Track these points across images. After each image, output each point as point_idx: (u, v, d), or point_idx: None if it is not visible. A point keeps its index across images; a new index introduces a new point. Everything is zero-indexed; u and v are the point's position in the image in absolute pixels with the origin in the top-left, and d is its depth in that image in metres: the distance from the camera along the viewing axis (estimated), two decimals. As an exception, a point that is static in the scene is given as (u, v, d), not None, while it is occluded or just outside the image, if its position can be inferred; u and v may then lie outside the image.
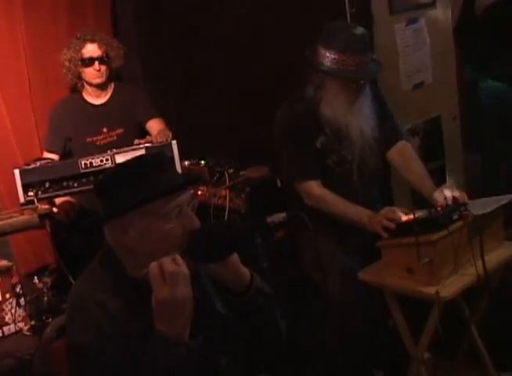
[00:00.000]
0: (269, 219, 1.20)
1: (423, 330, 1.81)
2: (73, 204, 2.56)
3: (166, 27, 3.01)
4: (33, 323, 2.34)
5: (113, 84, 2.73)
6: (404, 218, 1.83)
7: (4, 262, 2.45)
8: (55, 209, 2.37)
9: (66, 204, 2.55)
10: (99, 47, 2.60)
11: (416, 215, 1.77)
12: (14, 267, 2.44)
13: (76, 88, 2.73)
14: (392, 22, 2.42)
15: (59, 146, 2.65)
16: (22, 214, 2.19)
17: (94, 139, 2.66)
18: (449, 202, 1.84)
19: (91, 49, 2.60)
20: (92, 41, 2.61)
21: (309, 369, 2.17)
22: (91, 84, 2.66)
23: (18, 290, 2.39)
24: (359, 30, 1.95)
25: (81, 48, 2.60)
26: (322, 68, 1.94)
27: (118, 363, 1.17)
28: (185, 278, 1.13)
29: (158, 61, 3.12)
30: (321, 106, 1.99)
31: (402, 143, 2.14)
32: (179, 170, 2.33)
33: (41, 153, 2.70)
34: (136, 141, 2.42)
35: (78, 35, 2.64)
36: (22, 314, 2.38)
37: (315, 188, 2.02)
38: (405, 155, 2.12)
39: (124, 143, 2.44)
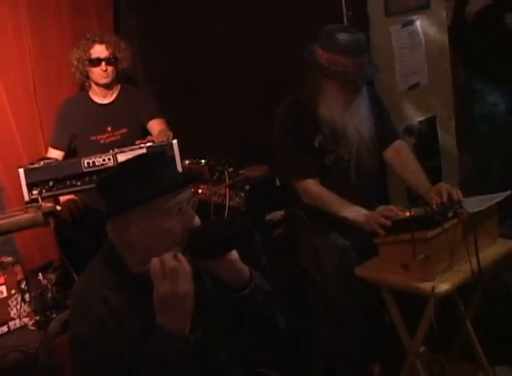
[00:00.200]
0: (268, 217, 1.25)
1: (418, 324, 1.82)
2: (77, 203, 2.61)
3: (167, 27, 3.03)
4: (37, 318, 2.38)
5: (119, 85, 2.78)
6: (400, 215, 1.85)
7: (9, 259, 2.50)
8: (58, 207, 2.41)
9: (70, 202, 2.60)
10: (107, 48, 2.66)
11: (412, 213, 1.79)
12: (19, 264, 2.49)
13: (83, 87, 2.78)
14: (388, 24, 2.44)
15: (64, 142, 2.70)
16: (26, 212, 2.21)
17: (98, 137, 2.71)
18: (444, 200, 1.86)
19: (98, 50, 2.65)
20: (101, 42, 2.66)
21: (307, 364, 2.19)
22: (97, 84, 2.71)
23: (23, 286, 2.44)
24: (357, 32, 1.97)
25: (90, 48, 2.65)
26: (319, 69, 1.97)
27: (120, 356, 1.21)
28: (186, 273, 1.16)
29: (159, 61, 3.15)
30: (318, 107, 2.02)
31: (398, 142, 2.17)
32: (180, 169, 2.37)
33: (46, 153, 2.75)
34: (138, 141, 2.46)
35: (88, 36, 2.70)
36: (27, 309, 2.42)
37: (312, 186, 2.04)
38: (401, 154, 2.14)
39: (127, 143, 2.48)
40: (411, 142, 2.51)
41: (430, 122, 2.64)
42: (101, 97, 2.75)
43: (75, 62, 2.67)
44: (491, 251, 1.89)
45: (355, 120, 2.02)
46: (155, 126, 2.74)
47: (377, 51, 2.37)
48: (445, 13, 2.64)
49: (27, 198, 2.26)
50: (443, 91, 2.71)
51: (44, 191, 2.27)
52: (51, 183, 2.28)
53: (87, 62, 2.65)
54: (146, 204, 1.23)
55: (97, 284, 1.27)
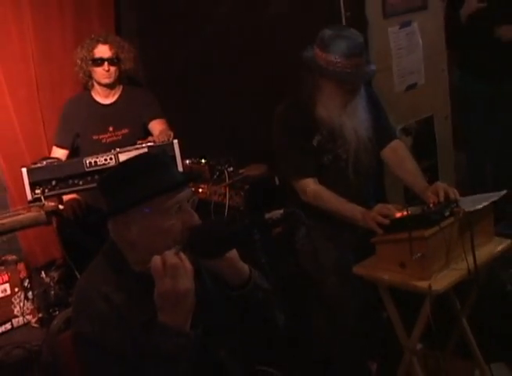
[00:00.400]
0: (267, 216, 1.22)
1: (415, 322, 1.84)
2: (80, 202, 2.64)
3: (167, 28, 3.04)
4: (40, 315, 2.41)
5: (121, 86, 2.80)
6: (397, 214, 1.86)
7: (13, 258, 2.52)
8: (61, 206, 2.42)
9: (72, 201, 2.62)
10: (110, 48, 2.68)
11: (409, 212, 1.81)
12: (22, 262, 2.51)
13: (86, 87, 2.81)
14: (386, 25, 2.45)
15: (68, 141, 2.73)
16: (29, 211, 2.23)
17: (100, 137, 2.73)
18: (441, 199, 1.87)
19: (102, 50, 2.68)
20: (104, 42, 2.69)
21: (306, 362, 2.21)
22: (100, 84, 2.74)
23: (26, 284, 2.46)
24: (355, 33, 1.99)
25: (93, 48, 2.68)
26: (317, 70, 1.98)
27: (122, 353, 1.22)
28: (187, 271, 1.17)
29: (159, 61, 3.16)
30: (317, 107, 2.03)
31: (395, 142, 2.18)
32: (181, 168, 2.39)
33: (49, 153, 2.77)
34: (139, 141, 2.49)
35: (92, 36, 2.73)
36: (30, 307, 2.45)
37: (311, 185, 2.05)
38: (398, 153, 2.16)
39: (128, 143, 2.50)
40: (408, 141, 2.53)
41: (428, 122, 2.65)
42: (103, 97, 2.78)
43: (79, 61, 2.70)
44: (487, 249, 1.90)
45: (353, 120, 2.03)
46: (156, 126, 2.76)
47: (375, 52, 2.39)
48: (442, 14, 2.66)
49: (29, 197, 2.27)
50: (440, 91, 2.72)
51: (46, 190, 2.29)
52: (53, 183, 2.30)
53: (90, 61, 2.68)
54: (145, 203, 1.24)
55: (99, 282, 1.29)
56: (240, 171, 2.52)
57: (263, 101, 2.55)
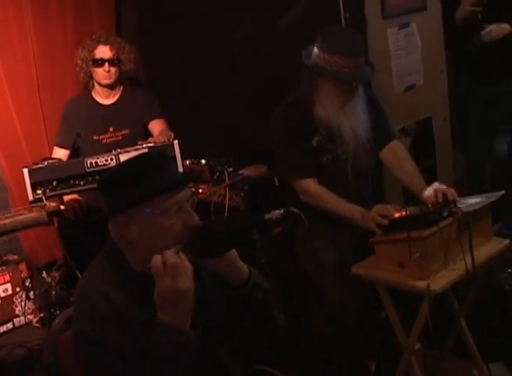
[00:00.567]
0: (267, 216, 1.23)
1: (414, 322, 1.84)
2: (80, 202, 2.64)
3: (167, 28, 3.05)
4: (42, 315, 2.42)
5: (122, 86, 2.81)
6: (396, 214, 1.87)
7: (14, 258, 2.53)
8: (62, 207, 2.43)
9: (73, 201, 2.63)
10: (111, 49, 2.69)
11: (407, 212, 1.82)
12: (24, 262, 2.52)
13: (87, 88, 2.82)
14: (385, 26, 2.46)
15: (69, 141, 2.74)
16: (31, 211, 2.25)
17: (100, 137, 2.74)
18: (440, 199, 1.89)
19: (103, 51, 2.69)
20: (105, 43, 2.70)
21: (305, 361, 2.22)
22: (100, 85, 2.75)
23: (28, 284, 2.47)
24: (354, 33, 1.99)
25: (94, 48, 2.69)
26: (315, 69, 1.99)
27: (122, 352, 1.23)
28: (187, 270, 1.18)
29: (160, 62, 3.17)
30: (315, 107, 2.03)
31: (394, 143, 2.19)
32: (181, 169, 2.40)
33: (50, 153, 2.79)
34: (139, 142, 2.50)
35: (93, 36, 2.74)
36: (31, 307, 2.46)
37: (311, 185, 2.06)
38: (397, 154, 2.16)
39: (129, 143, 2.51)
40: (407, 142, 2.54)
41: (426, 123, 2.66)
42: (104, 98, 2.79)
43: (79, 62, 2.72)
44: (485, 249, 1.90)
45: (351, 120, 2.04)
46: (156, 126, 2.77)
47: (374, 52, 2.40)
48: (440, 15, 2.67)
49: (31, 198, 2.28)
50: (439, 92, 2.73)
51: (48, 191, 2.30)
52: (54, 183, 2.31)
53: (91, 62, 2.69)
54: (145, 203, 1.25)
55: (99, 282, 1.29)
56: (240, 171, 2.53)
57: (263, 101, 2.55)
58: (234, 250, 1.29)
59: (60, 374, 1.46)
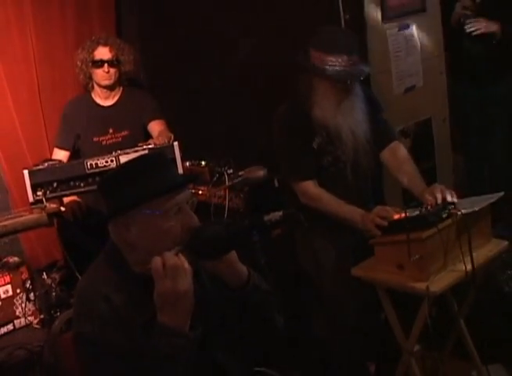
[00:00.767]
0: (266, 218, 1.24)
1: (413, 323, 1.85)
2: (80, 204, 2.65)
3: (167, 29, 3.06)
4: (42, 316, 2.42)
5: (121, 88, 2.82)
6: (395, 216, 1.88)
7: (15, 259, 2.54)
8: (62, 208, 2.43)
9: (72, 203, 2.63)
10: (110, 50, 2.70)
11: (407, 214, 1.82)
12: (24, 263, 2.52)
13: (87, 89, 2.82)
14: (384, 28, 2.46)
15: (69, 143, 2.74)
16: (31, 213, 2.25)
17: (100, 138, 2.74)
18: (439, 201, 1.89)
19: (102, 52, 2.69)
20: (105, 44, 2.70)
21: (305, 363, 2.22)
22: (100, 86, 2.75)
23: (28, 285, 2.48)
24: (346, 31, 2.01)
25: (94, 50, 2.69)
26: (310, 69, 1.99)
27: (122, 353, 1.23)
28: (187, 272, 1.18)
29: (159, 63, 3.17)
30: (313, 108, 2.04)
31: (395, 144, 2.19)
32: (181, 170, 2.40)
33: (50, 154, 2.78)
34: (140, 144, 2.50)
35: (93, 38, 2.74)
36: (32, 308, 2.46)
37: (311, 187, 2.07)
38: (397, 155, 2.17)
39: (129, 145, 2.51)
40: (407, 143, 2.53)
41: (426, 124, 2.66)
42: (103, 99, 2.79)
43: (79, 63, 2.72)
44: (484, 251, 1.91)
45: (349, 120, 2.03)
46: (155, 127, 2.77)
47: (374, 54, 2.40)
48: (440, 17, 2.67)
49: (31, 199, 2.28)
50: (438, 93, 2.73)
51: (48, 192, 2.29)
52: (55, 184, 2.31)
53: (90, 63, 2.70)
54: (145, 204, 1.25)
55: (99, 283, 1.30)
56: (240, 173, 2.52)
57: (263, 102, 2.56)
58: (234, 251, 1.30)
59: (60, 375, 1.47)
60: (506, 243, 1.97)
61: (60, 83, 2.97)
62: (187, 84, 3.02)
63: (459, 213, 1.81)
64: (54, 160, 2.53)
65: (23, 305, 2.43)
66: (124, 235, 1.28)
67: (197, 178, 2.47)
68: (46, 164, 2.36)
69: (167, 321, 1.18)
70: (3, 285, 2.43)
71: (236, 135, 2.79)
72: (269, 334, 1.41)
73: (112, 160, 2.34)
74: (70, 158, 2.73)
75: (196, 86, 2.95)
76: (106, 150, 2.51)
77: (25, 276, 2.50)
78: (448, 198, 1.90)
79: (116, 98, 2.80)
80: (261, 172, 2.49)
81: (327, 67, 1.95)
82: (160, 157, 1.36)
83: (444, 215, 1.82)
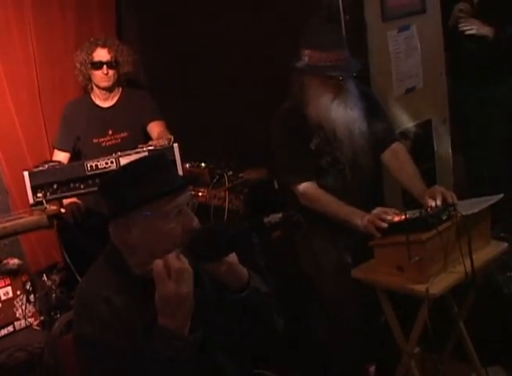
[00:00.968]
0: (266, 220, 1.24)
1: (413, 325, 1.85)
2: (79, 205, 2.64)
3: (168, 31, 3.06)
4: (42, 318, 2.42)
5: (121, 89, 2.82)
6: (395, 218, 1.88)
7: (15, 261, 2.54)
8: (63, 210, 2.43)
9: (72, 205, 2.63)
10: (109, 52, 2.70)
11: (407, 215, 1.82)
12: (24, 265, 2.52)
13: (86, 90, 2.82)
14: (385, 29, 2.45)
15: (69, 145, 2.74)
16: (31, 214, 2.24)
17: (100, 140, 2.74)
18: (439, 203, 1.89)
19: (101, 54, 2.69)
20: (103, 45, 2.70)
21: (304, 364, 2.22)
22: (99, 87, 2.75)
23: (28, 287, 2.48)
24: (334, 27, 2.01)
25: (92, 51, 2.70)
26: (302, 67, 1.99)
27: (122, 355, 1.23)
28: (190, 275, 1.19)
29: (160, 64, 3.17)
30: (308, 109, 2.04)
31: (396, 145, 2.19)
32: (181, 172, 2.40)
33: (51, 156, 2.78)
34: (140, 146, 2.50)
35: (91, 39, 2.74)
36: (32, 310, 2.46)
37: (310, 189, 2.07)
38: (398, 157, 2.16)
39: (128, 146, 2.50)
40: (407, 145, 2.52)
41: (426, 126, 2.65)
42: (102, 100, 2.79)
43: (78, 65, 2.72)
44: (484, 252, 1.91)
45: (343, 117, 2.03)
46: (154, 128, 2.77)
47: (374, 55, 2.40)
48: (440, 18, 2.67)
49: (31, 201, 2.27)
50: (438, 95, 2.73)
51: (48, 194, 2.29)
52: (55, 186, 2.30)
53: (89, 65, 2.70)
54: (145, 206, 1.25)
55: (100, 285, 1.30)
56: (240, 174, 2.54)
57: (263, 104, 2.55)
58: (234, 253, 1.30)
59: (60, 377, 1.47)
60: (505, 244, 1.97)
61: (61, 84, 2.97)
62: (187, 85, 3.02)
63: (459, 215, 1.81)
64: (54, 161, 2.52)
65: (24, 306, 2.43)
66: (125, 237, 1.28)
67: (197, 180, 2.47)
68: (46, 166, 2.35)
69: (167, 324, 1.18)
70: (3, 287, 2.43)
71: (236, 137, 2.78)
72: (269, 336, 1.41)
73: (112, 162, 2.34)
74: (71, 160, 2.73)
75: (196, 87, 2.95)
76: (106, 152, 2.51)
77: (25, 277, 2.50)
78: (449, 200, 1.89)
79: (115, 99, 2.81)
80: (261, 174, 2.50)
81: (319, 64, 1.95)
82: (160, 159, 1.36)
83: (444, 217, 1.82)
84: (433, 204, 1.90)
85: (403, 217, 1.83)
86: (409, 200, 2.12)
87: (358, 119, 2.05)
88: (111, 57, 2.70)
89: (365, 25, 2.38)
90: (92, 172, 2.32)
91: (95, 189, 2.25)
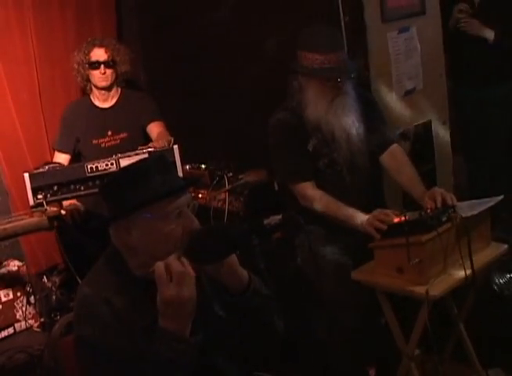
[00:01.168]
0: (266, 221, 1.24)
1: (413, 327, 1.84)
2: (78, 207, 2.63)
3: (168, 31, 3.06)
4: (42, 320, 2.43)
5: (119, 89, 2.82)
6: (395, 219, 1.88)
7: (16, 262, 2.54)
8: (63, 211, 2.43)
9: (71, 206, 2.62)
10: (106, 51, 2.70)
11: (406, 217, 1.82)
12: (25, 267, 2.53)
13: (86, 91, 2.83)
14: (384, 30, 2.46)
15: (69, 146, 2.74)
16: (32, 216, 2.25)
17: (99, 141, 2.75)
18: (439, 204, 1.89)
19: (98, 53, 2.70)
20: (100, 45, 2.71)
21: (304, 367, 2.22)
22: (97, 87, 2.75)
23: (28, 289, 2.48)
24: (331, 29, 2.00)
25: (89, 51, 2.70)
26: (300, 70, 2.00)
27: (122, 357, 1.23)
28: (191, 279, 1.18)
29: (160, 65, 3.17)
30: (306, 110, 2.04)
31: (394, 147, 2.19)
32: (181, 174, 2.40)
33: (51, 157, 2.79)
34: (139, 147, 2.50)
35: (88, 39, 2.75)
36: (32, 312, 2.46)
37: (309, 189, 2.07)
38: (397, 159, 2.17)
39: (127, 147, 2.51)
40: (407, 146, 2.53)
41: (426, 127, 2.65)
42: (101, 101, 2.79)
43: (76, 65, 2.73)
44: (484, 254, 1.91)
45: (341, 119, 2.03)
46: (154, 129, 2.77)
47: (374, 57, 2.40)
48: (440, 19, 2.67)
49: (31, 202, 2.28)
50: (438, 96, 2.73)
51: (48, 195, 2.29)
52: (55, 188, 2.31)
53: (87, 65, 2.70)
54: (146, 208, 1.25)
55: (100, 287, 1.30)
56: (240, 176, 2.54)
57: (263, 105, 2.55)
58: (234, 255, 1.30)
59: (60, 379, 1.47)
60: (505, 246, 1.97)
61: (61, 84, 2.98)
62: (187, 86, 3.02)
63: (458, 217, 1.81)
64: (54, 163, 2.53)
65: (24, 308, 2.44)
66: (125, 238, 1.28)
67: (198, 182, 2.47)
68: (47, 168, 2.36)
69: (169, 326, 1.18)
70: (4, 288, 2.44)
71: (236, 138, 2.79)
72: (269, 338, 1.41)
73: (112, 164, 2.34)
74: (71, 161, 2.73)
75: (196, 88, 2.96)
76: (106, 153, 2.51)
77: (25, 279, 2.50)
78: (448, 201, 1.89)
79: (114, 100, 2.81)
80: (261, 175, 2.50)
81: (316, 66, 1.95)
82: (160, 161, 1.36)
83: (443, 219, 1.82)
84: (433, 205, 1.90)
85: (403, 218, 1.83)
86: (409, 202, 2.11)
87: (356, 121, 2.06)
88: (108, 57, 2.70)
89: (365, 26, 2.38)
90: (92, 174, 2.33)
91: (96, 190, 2.26)
